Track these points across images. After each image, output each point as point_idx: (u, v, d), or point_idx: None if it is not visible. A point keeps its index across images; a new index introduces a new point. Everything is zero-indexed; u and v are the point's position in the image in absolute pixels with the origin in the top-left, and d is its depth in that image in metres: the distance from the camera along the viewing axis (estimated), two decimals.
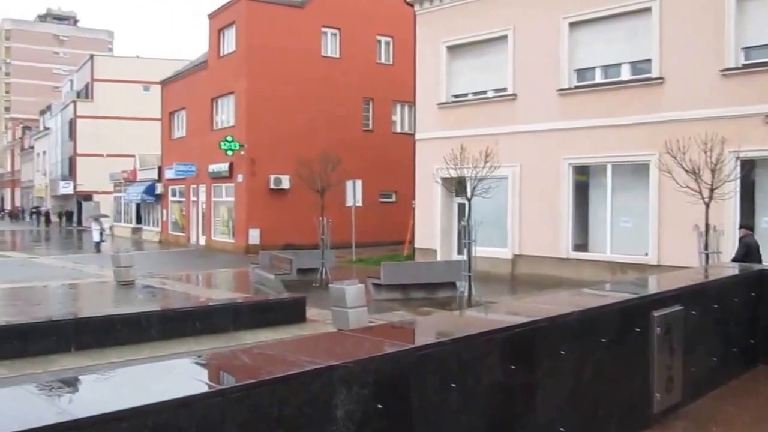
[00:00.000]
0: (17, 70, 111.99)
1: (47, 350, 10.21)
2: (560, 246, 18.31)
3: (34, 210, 65.14)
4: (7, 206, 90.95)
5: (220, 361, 4.32)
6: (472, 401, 5.09)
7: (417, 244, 22.33)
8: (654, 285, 7.94)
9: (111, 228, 47.15)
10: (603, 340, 5.50)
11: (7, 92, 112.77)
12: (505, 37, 19.67)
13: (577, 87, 18.29)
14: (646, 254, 16.76)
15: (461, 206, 19.45)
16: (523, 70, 19.22)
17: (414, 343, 5.44)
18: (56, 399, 3.11)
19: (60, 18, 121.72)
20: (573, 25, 18.21)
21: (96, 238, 33.20)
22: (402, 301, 15.57)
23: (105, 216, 38.65)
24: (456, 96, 21.26)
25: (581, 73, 18.40)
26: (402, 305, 15.12)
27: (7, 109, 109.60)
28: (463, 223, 16.35)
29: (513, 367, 5.19)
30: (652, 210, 16.61)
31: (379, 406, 4.41)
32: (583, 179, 18.51)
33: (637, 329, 5.76)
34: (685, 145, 12.71)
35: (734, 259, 13.20)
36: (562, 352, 5.41)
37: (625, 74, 17.55)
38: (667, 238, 15.81)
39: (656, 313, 5.89)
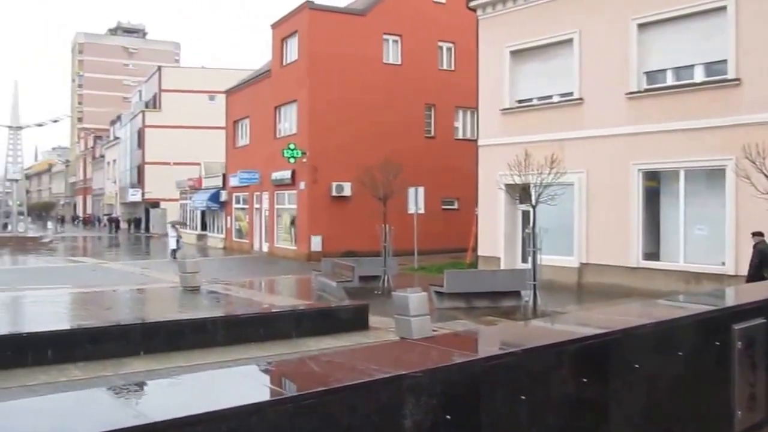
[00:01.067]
0: (89, 82, 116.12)
1: (117, 353, 10.43)
2: (630, 254, 17.82)
3: (106, 216, 67.09)
4: (80, 212, 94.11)
5: (290, 369, 4.30)
6: (542, 415, 4.94)
7: (480, 252, 22.08)
8: (734, 296, 7.61)
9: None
10: (680, 353, 5.28)
11: (79, 103, 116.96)
12: (570, 40, 19.32)
13: (647, 90, 17.80)
14: (723, 264, 16.14)
15: (525, 213, 19.17)
16: (589, 73, 18.83)
17: (483, 353, 5.33)
18: (133, 402, 3.14)
19: (129, 31, 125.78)
20: (642, 26, 17.75)
21: (173, 245, 32.82)
22: (465, 309, 15.39)
23: (182, 224, 37.79)
24: (520, 101, 20.98)
25: (651, 75, 17.91)
26: (465, 314, 14.94)
27: (79, 120, 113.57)
28: (527, 230, 16.12)
29: (585, 380, 5.03)
30: (728, 217, 15.99)
31: (448, 416, 4.32)
32: (654, 185, 17.97)
33: (717, 343, 5.51)
34: (766, 149, 12.19)
35: (750, 267, 12.69)
36: (636, 366, 5.22)
37: (699, 76, 16.99)
38: (745, 246, 15.12)
39: (737, 327, 5.62)
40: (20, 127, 45.41)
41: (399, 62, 31.21)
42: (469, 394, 4.78)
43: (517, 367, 5.06)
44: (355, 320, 13.29)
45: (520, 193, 17.24)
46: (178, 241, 32.84)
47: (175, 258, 30.28)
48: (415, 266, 24.42)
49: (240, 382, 4.04)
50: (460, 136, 32.56)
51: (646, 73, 17.95)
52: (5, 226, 45.65)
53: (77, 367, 9.82)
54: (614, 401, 5.24)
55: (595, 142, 18.53)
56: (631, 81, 17.90)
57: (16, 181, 46.08)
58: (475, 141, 22.92)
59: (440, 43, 32.10)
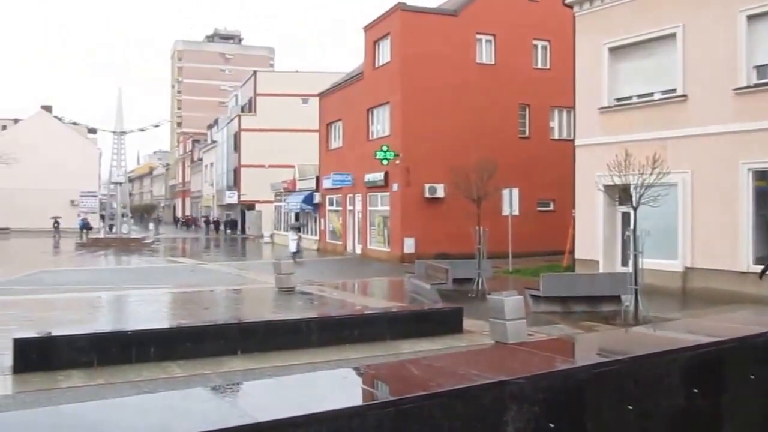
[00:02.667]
0: (188, 88, 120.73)
1: (216, 352, 10.66)
2: (739, 259, 16.88)
3: (204, 218, 69.37)
4: (179, 214, 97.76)
5: (390, 372, 4.24)
6: (650, 425, 4.68)
7: (577, 255, 21.49)
8: None
9: (272, 236, 49.32)
10: None
11: (179, 108, 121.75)
12: (673, 35, 18.52)
13: (757, 85, 16.84)
14: None
15: (626, 215, 18.51)
16: (694, 69, 17.99)
17: (587, 360, 5.12)
18: (236, 401, 3.17)
19: (226, 37, 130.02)
20: (752, 17, 16.80)
21: (292, 248, 32.05)
22: (562, 314, 14.98)
23: (302, 225, 37.07)
24: (619, 99, 20.29)
25: (761, 69, 16.92)
26: (562, 319, 14.55)
27: (179, 124, 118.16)
28: (627, 232, 15.54)
29: (696, 390, 4.76)
30: None
31: (551, 425, 4.15)
32: (764, 185, 16.97)
33: None
34: None
35: None
36: (752, 376, 4.89)
37: None
38: None
39: None
40: (124, 133, 47.45)
41: (492, 62, 30.84)
42: (573, 402, 4.59)
43: (624, 375, 4.83)
44: (449, 323, 13.15)
45: (620, 194, 16.65)
46: (298, 245, 32.30)
47: (297, 261, 29.80)
48: (509, 269, 24.05)
49: (340, 384, 4.02)
50: (556, 136, 31.88)
51: (756, 67, 16.98)
52: (111, 227, 47.81)
53: (178, 365, 10.09)
54: (728, 413, 4.91)
55: (700, 141, 17.69)
56: (739, 76, 16.97)
57: (120, 184, 48.11)
58: (572, 141, 22.35)
59: (535, 42, 31.53)
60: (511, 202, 24.16)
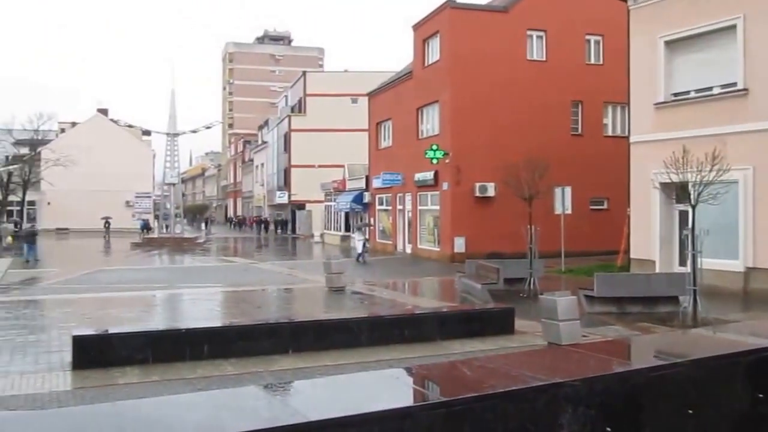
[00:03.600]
0: (238, 89, 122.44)
1: (267, 350, 10.74)
2: None
3: (256, 218, 70.14)
4: (231, 214, 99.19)
5: (442, 373, 4.18)
6: (710, 431, 4.51)
7: (633, 254, 21.02)
8: None
9: (322, 236, 49.64)
10: None
11: (230, 110, 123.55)
12: (733, 26, 17.94)
13: None
14: None
15: (683, 213, 18.02)
16: (756, 62, 17.39)
17: (645, 362, 4.96)
18: (289, 400, 3.16)
19: (276, 39, 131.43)
20: None
21: (359, 248, 31.02)
22: (617, 315, 14.66)
23: (369, 225, 35.74)
24: (676, 94, 19.77)
25: None
26: (617, 320, 14.24)
27: (230, 126, 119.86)
28: (685, 231, 15.13)
29: (761, 395, 4.57)
30: None
31: (608, 429, 4.04)
32: None
33: None
34: None
35: None
36: None
37: None
38: None
39: None
40: (177, 134, 48.33)
41: (543, 58, 30.43)
42: (630, 405, 4.45)
43: (683, 378, 4.67)
44: (500, 323, 13.00)
45: (678, 192, 16.24)
46: (364, 245, 31.06)
47: (365, 262, 29.55)
48: (562, 269, 23.68)
49: (391, 384, 3.98)
50: (609, 133, 31.27)
51: None
52: (167, 227, 48.77)
53: (230, 363, 10.19)
54: None
55: (762, 136, 17.09)
56: None
57: (174, 185, 49.06)
58: (626, 138, 21.88)
59: (587, 37, 30.98)
60: (563, 201, 23.80)
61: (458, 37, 29.67)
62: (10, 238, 41.26)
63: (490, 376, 3.92)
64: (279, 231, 63.02)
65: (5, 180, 59.23)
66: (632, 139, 21.05)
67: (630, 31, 21.10)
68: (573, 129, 31.01)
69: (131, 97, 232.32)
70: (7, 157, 66.63)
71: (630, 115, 21.58)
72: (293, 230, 61.95)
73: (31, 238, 31.39)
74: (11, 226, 46.16)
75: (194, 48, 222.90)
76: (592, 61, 31.20)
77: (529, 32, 30.31)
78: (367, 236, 32.68)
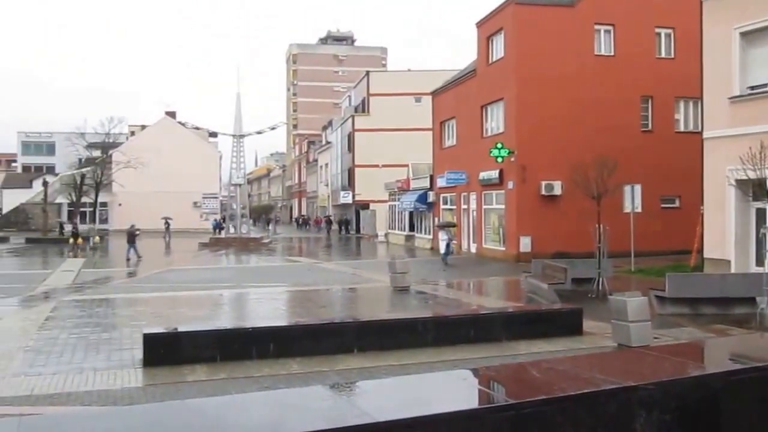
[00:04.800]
0: (302, 90, 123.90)
1: (333, 350, 10.79)
2: None
3: (324, 218, 70.51)
4: (295, 214, 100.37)
5: (510, 374, 4.08)
6: None
7: (706, 254, 20.32)
8: None
9: (386, 235, 49.72)
10: None
11: (294, 111, 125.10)
12: None
13: None
14: None
15: (760, 211, 17.32)
16: None
17: (723, 366, 4.74)
18: (355, 400, 3.13)
19: (339, 39, 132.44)
20: None
21: (443, 249, 29.32)
22: (690, 316, 14.20)
23: (452, 225, 32.80)
24: (752, 88, 18.97)
25: None
26: (690, 321, 13.79)
27: (294, 126, 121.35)
28: (763, 230, 14.55)
29: None
30: None
31: None
32: None
33: None
34: None
35: None
36: None
37: None
38: None
39: None
40: (242, 136, 49.17)
41: (612, 53, 29.72)
42: (708, 410, 4.25)
43: (764, 383, 4.44)
44: (568, 324, 12.75)
45: (755, 189, 15.60)
46: (448, 245, 29.32)
47: (447, 264, 28.18)
48: (631, 269, 23.09)
49: (458, 385, 3.91)
50: (681, 128, 30.33)
51: None
52: (234, 227, 49.64)
53: (296, 362, 10.27)
54: None
55: None
56: None
57: (240, 185, 49.94)
58: (699, 133, 21.15)
59: (657, 30, 30.10)
60: (633, 199, 23.22)
61: (523, 33, 29.28)
62: (72, 239, 43.16)
63: (560, 379, 3.80)
64: (342, 231, 63.42)
65: (78, 182, 61.37)
66: (706, 134, 20.34)
67: (703, 23, 20.40)
68: (643, 125, 30.20)
69: (197, 99, 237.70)
70: (80, 159, 69.00)
71: (703, 109, 20.87)
72: (357, 230, 62.27)
73: (131, 237, 34.28)
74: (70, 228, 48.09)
75: (259, 50, 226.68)
76: (663, 54, 30.29)
77: (596, 26, 29.67)
78: (452, 236, 30.90)
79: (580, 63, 29.00)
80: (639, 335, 10.94)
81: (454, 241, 30.32)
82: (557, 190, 28.29)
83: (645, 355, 5.12)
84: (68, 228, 48.15)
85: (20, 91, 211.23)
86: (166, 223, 53.52)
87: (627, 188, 23.21)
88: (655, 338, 11.43)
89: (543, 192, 28.52)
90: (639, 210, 23.44)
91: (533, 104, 28.83)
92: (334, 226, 65.79)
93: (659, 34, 30.25)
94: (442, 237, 30.19)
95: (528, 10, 29.40)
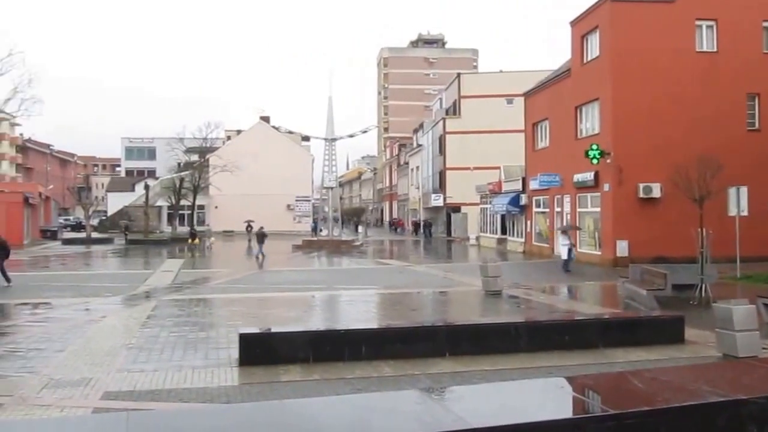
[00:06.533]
0: (393, 93, 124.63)
1: (424, 353, 10.76)
2: None
3: (419, 222, 70.47)
4: (386, 217, 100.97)
5: (610, 383, 3.94)
6: None
7: None
8: None
9: (477, 238, 49.31)
10: None
11: (385, 114, 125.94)
12: None
13: None
14: None
15: None
16: None
17: None
18: (451, 405, 3.08)
19: (429, 42, 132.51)
20: None
21: (564, 255, 27.10)
22: None
23: (577, 228, 30.15)
24: None
25: None
26: None
27: (385, 130, 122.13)
28: None
29: None
30: None
31: None
32: None
33: None
34: None
35: None
36: None
37: None
38: None
39: None
40: (334, 139, 49.84)
41: (714, 49, 28.49)
42: None
43: None
44: (668, 332, 12.27)
45: None
46: (570, 251, 27.00)
47: (568, 270, 26.18)
48: (737, 275, 21.99)
49: (556, 393, 3.80)
50: None
51: None
52: (327, 230, 50.42)
53: (388, 365, 10.29)
54: None
55: None
56: None
57: (332, 188, 50.65)
58: None
59: (765, 24, 28.65)
60: (738, 202, 22.11)
61: (620, 31, 28.48)
62: (190, 240, 45.92)
63: (664, 389, 3.64)
64: (426, 234, 63.11)
65: (178, 186, 63.85)
66: None
67: None
68: (749, 124, 28.81)
69: (289, 103, 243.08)
70: (179, 164, 71.81)
71: None
72: (448, 233, 62.03)
73: (261, 237, 37.36)
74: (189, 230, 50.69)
75: (351, 54, 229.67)
76: None
77: (698, 22, 28.53)
78: (573, 240, 28.58)
79: (680, 60, 27.96)
80: (746, 345, 10.42)
81: (574, 251, 28.09)
82: (656, 193, 27.34)
83: (754, 367, 4.85)
84: (191, 229, 50.93)
85: (124, 104, 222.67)
86: (249, 226, 55.15)
87: (732, 191, 22.14)
88: (764, 348, 10.86)
89: (641, 194, 27.62)
90: (745, 213, 22.30)
91: (630, 104, 27.98)
92: (420, 228, 65.72)
93: (767, 29, 28.77)
94: (563, 242, 27.86)
95: (624, 8, 28.57)
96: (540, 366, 10.29)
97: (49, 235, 57.38)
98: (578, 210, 31.99)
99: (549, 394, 3.52)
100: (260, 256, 35.71)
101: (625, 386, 3.77)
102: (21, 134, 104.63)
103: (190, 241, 48.24)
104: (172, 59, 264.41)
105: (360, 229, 71.51)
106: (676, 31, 28.15)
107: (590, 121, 31.30)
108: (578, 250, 31.17)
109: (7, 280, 21.45)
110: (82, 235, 58.76)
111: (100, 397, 8.85)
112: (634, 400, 3.45)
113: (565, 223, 32.33)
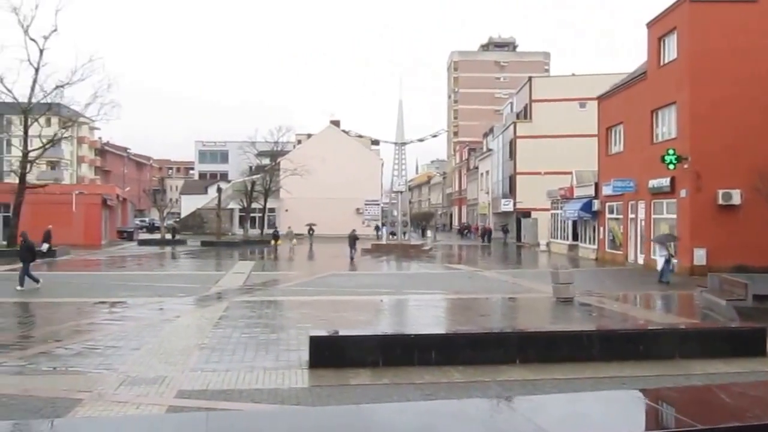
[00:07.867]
0: (463, 97, 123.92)
1: (494, 360, 10.65)
2: None
3: (482, 227, 69.92)
4: (455, 222, 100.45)
5: (695, 397, 3.79)
6: None
7: None
8: None
9: (548, 244, 48.50)
10: None
11: (455, 118, 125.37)
12: None
13: None
14: None
15: None
16: None
17: None
18: (531, 415, 3.02)
19: (500, 45, 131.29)
20: None
21: (660, 265, 25.38)
22: None
23: (674, 239, 27.34)
24: None
25: None
26: None
27: (455, 134, 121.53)
28: None
29: None
30: None
31: None
32: None
33: None
34: None
35: None
36: None
37: None
38: None
39: None
40: (404, 143, 49.84)
41: None
42: None
43: None
44: (749, 344, 11.81)
45: None
46: (668, 261, 25.21)
47: (667, 282, 24.37)
48: None
49: (636, 405, 3.68)
50: None
51: None
52: (398, 234, 50.46)
53: (457, 370, 10.22)
54: None
55: None
56: None
57: (401, 192, 50.65)
58: None
59: None
60: None
61: (698, 32, 27.61)
62: (273, 241, 47.29)
63: (755, 405, 3.48)
64: (485, 240, 62.21)
65: (249, 189, 65.09)
66: None
67: None
68: None
69: (359, 107, 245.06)
70: (250, 167, 73.17)
71: None
72: (518, 238, 61.23)
73: (353, 241, 39.08)
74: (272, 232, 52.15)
75: (421, 58, 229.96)
76: None
77: None
78: (672, 252, 26.55)
79: (763, 62, 26.87)
80: None
81: (673, 262, 26.23)
82: (736, 199, 26.33)
83: None
84: (274, 231, 52.26)
85: (195, 111, 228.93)
86: (311, 229, 55.56)
87: None
88: None
89: (720, 201, 26.65)
90: None
91: (710, 107, 27.05)
92: (494, 234, 64.95)
93: None
94: (661, 253, 26.07)
95: (704, 8, 27.68)
96: (613, 376, 10.05)
97: (126, 236, 59.30)
98: (653, 216, 31.11)
99: (629, 405, 3.42)
100: (354, 258, 37.52)
101: (711, 400, 3.62)
102: (99, 138, 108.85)
103: (272, 242, 49.28)
104: (237, 67, 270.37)
105: (429, 233, 71.21)
106: (759, 32, 27.08)
107: (667, 125, 30.42)
108: (652, 257, 30.21)
109: (36, 280, 21.77)
110: (157, 236, 60.65)
111: (174, 395, 9.08)
112: (723, 416, 3.31)
113: (658, 233, 30.15)
